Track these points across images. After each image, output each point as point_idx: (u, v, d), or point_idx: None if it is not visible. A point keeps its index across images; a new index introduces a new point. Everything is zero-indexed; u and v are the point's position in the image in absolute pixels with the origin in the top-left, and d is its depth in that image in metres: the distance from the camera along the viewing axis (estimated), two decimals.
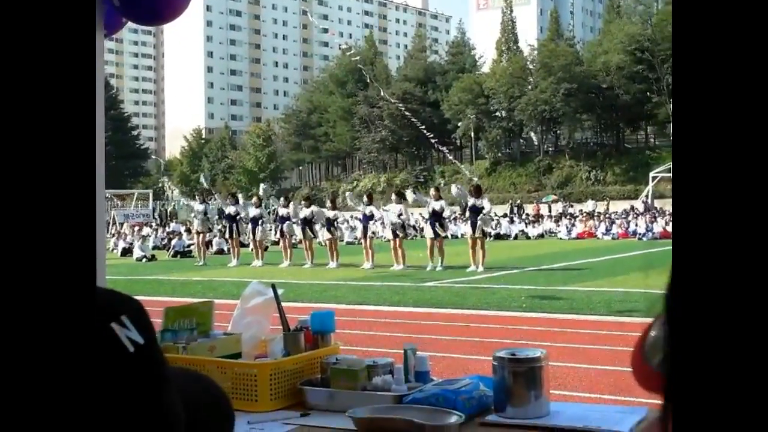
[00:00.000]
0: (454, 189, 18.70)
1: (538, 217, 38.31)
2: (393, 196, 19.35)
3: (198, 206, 23.12)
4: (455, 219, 35.66)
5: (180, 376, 0.76)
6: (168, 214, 47.56)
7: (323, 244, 20.35)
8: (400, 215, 18.10)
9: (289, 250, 20.26)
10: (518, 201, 52.12)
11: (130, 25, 2.94)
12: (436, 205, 17.53)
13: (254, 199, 22.28)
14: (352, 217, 33.63)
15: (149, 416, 0.62)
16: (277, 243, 23.01)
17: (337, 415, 2.10)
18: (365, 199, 20.27)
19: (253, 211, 21.09)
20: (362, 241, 19.61)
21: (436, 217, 17.38)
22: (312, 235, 19.92)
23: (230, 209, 21.45)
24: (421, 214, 27.72)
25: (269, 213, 28.53)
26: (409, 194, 18.87)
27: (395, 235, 17.91)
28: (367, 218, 19.20)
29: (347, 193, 23.05)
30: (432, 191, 18.56)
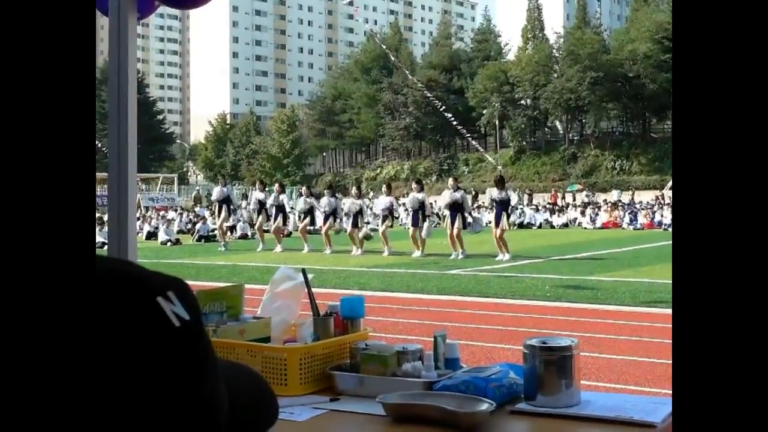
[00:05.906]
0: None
1: (560, 207, 38.09)
2: (414, 185, 19.32)
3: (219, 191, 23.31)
4: (478, 208, 35.65)
5: (223, 363, 0.77)
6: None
7: (346, 231, 20.43)
8: (422, 203, 18.11)
9: (305, 235, 20.55)
10: (529, 190, 51.84)
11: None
12: (456, 195, 17.49)
13: (276, 186, 22.41)
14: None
15: (192, 391, 0.62)
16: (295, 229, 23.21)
17: (366, 401, 2.09)
18: (384, 189, 20.39)
19: (277, 199, 21.27)
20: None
21: (456, 208, 17.35)
22: (338, 226, 20.06)
23: (259, 195, 21.63)
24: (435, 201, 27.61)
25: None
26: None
27: (415, 223, 17.98)
28: (387, 208, 19.29)
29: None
30: (450, 181, 18.42)
